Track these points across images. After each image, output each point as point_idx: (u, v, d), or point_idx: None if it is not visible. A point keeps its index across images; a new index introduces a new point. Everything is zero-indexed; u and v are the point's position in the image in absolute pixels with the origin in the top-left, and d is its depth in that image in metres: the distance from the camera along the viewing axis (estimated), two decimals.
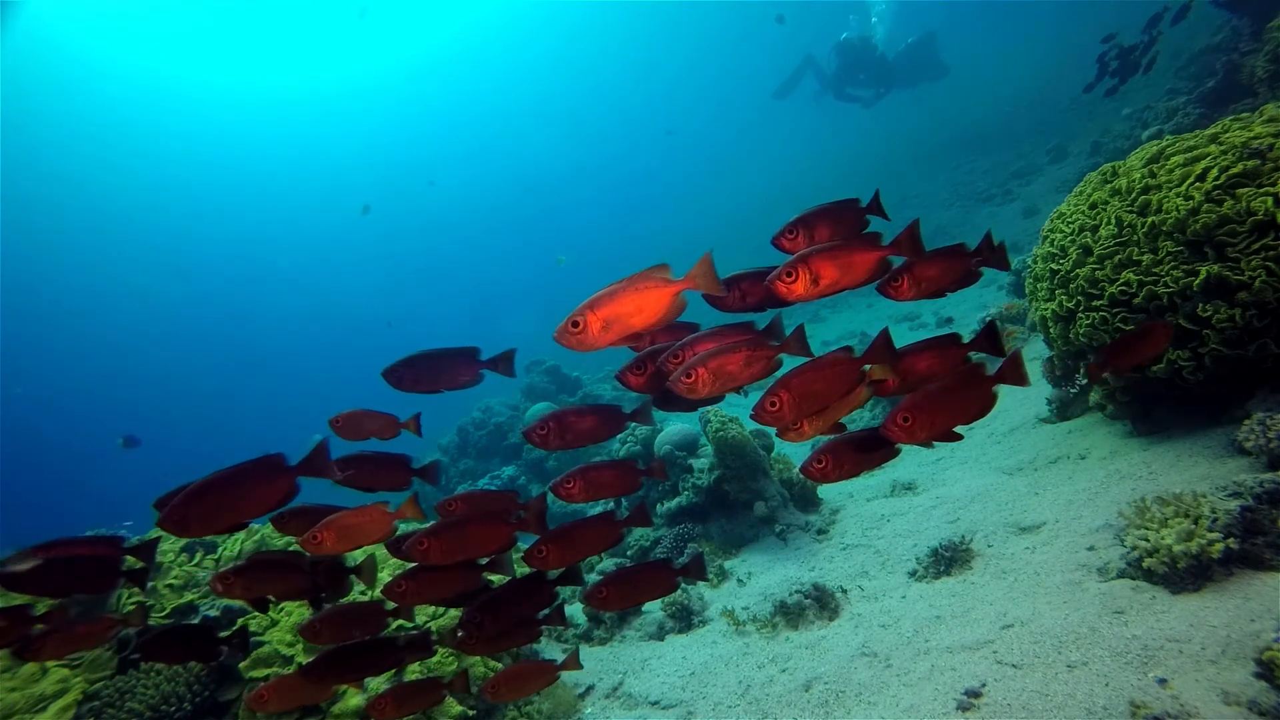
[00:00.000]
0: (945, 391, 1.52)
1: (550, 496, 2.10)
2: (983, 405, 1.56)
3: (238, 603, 3.03)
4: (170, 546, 3.42)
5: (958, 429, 1.57)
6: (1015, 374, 1.57)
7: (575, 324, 1.46)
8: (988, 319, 6.63)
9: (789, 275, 1.49)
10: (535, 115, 40.95)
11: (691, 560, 2.20)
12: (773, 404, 1.53)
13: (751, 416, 1.58)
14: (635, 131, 42.81)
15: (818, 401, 1.56)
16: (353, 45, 33.72)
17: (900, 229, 1.60)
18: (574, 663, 2.26)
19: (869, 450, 1.65)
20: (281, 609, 2.91)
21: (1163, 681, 1.95)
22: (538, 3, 34.19)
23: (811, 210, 1.70)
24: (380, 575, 2.91)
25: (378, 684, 2.58)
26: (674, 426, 5.19)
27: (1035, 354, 5.41)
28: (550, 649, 3.72)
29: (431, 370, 1.96)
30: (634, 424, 2.01)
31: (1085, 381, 2.83)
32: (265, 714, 2.52)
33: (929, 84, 16.42)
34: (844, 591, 3.30)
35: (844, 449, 1.66)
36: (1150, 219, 2.96)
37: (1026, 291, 3.92)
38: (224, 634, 2.05)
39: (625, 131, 43.19)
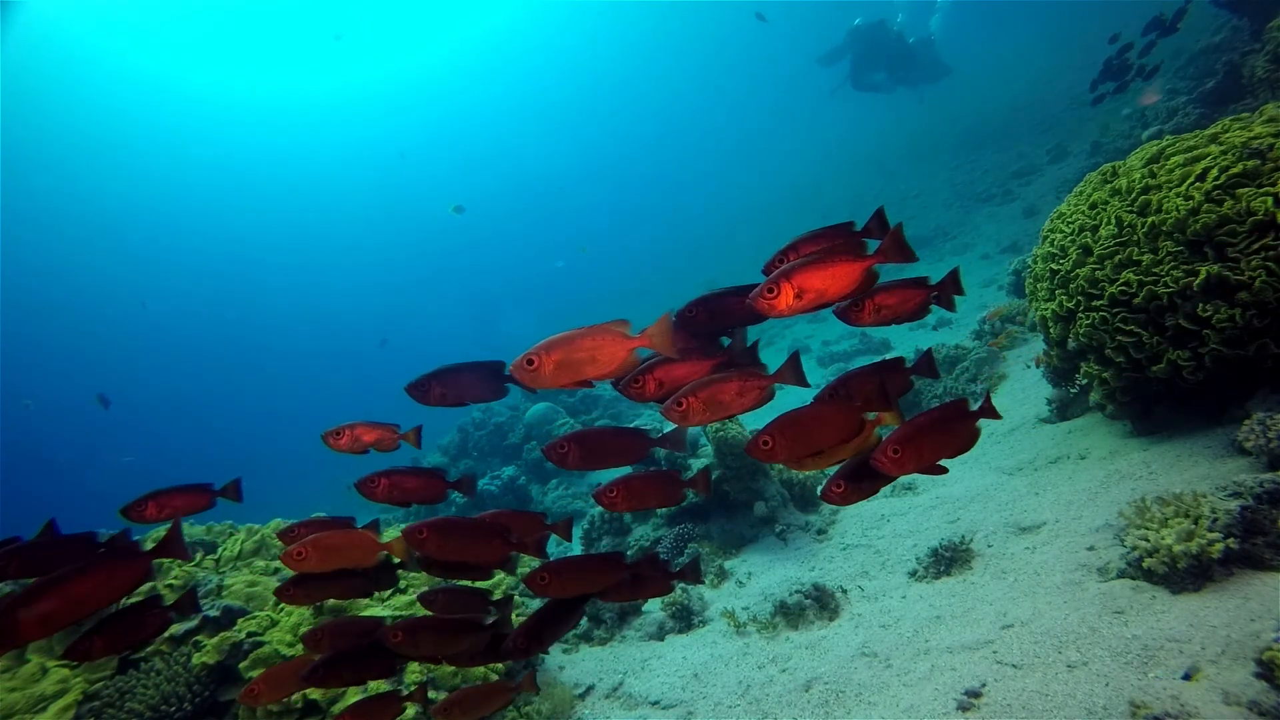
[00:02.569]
0: (932, 425, 1.56)
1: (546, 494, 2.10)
2: (966, 441, 1.60)
3: (238, 603, 3.03)
4: None
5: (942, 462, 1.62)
6: (990, 411, 1.68)
7: (530, 362, 1.51)
8: (984, 317, 6.61)
9: (770, 291, 1.48)
10: (537, 117, 40.98)
11: (688, 564, 2.19)
12: (765, 443, 1.56)
13: (746, 450, 1.60)
14: (637, 134, 42.85)
15: (812, 445, 1.59)
16: (353, 51, 33.73)
17: (885, 236, 1.59)
18: (529, 684, 2.29)
19: (876, 476, 1.67)
20: (281, 609, 2.91)
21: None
22: (538, 9, 34.23)
23: (802, 236, 1.70)
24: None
25: (377, 684, 2.59)
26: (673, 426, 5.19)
27: (1035, 354, 5.41)
28: (550, 648, 3.72)
29: (458, 385, 1.95)
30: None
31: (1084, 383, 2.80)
32: (260, 707, 2.54)
33: (931, 84, 16.41)
34: (844, 591, 3.30)
35: (855, 475, 1.67)
36: (1150, 219, 2.96)
37: (1026, 291, 3.92)
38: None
39: (626, 134, 43.23)
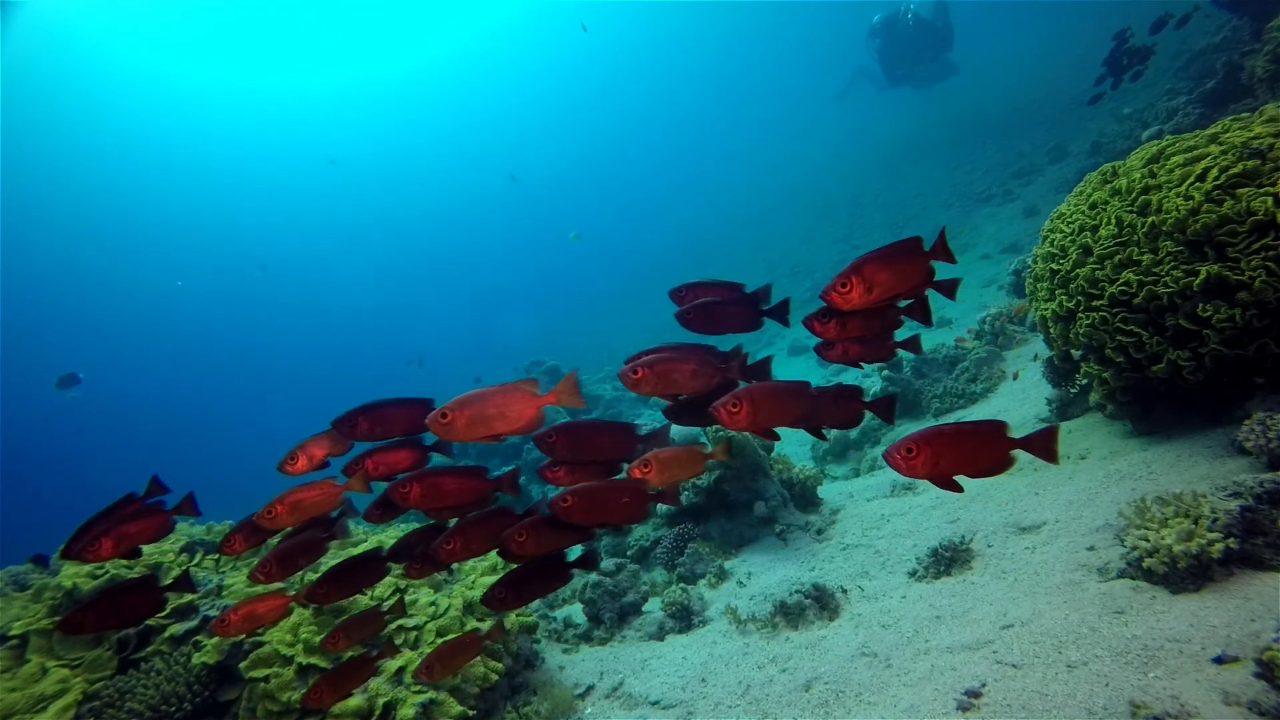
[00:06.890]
0: (959, 437, 1.49)
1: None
2: (994, 465, 1.50)
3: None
4: (170, 546, 3.42)
5: (960, 479, 1.53)
6: (1045, 449, 1.50)
7: (444, 415, 1.64)
8: (984, 319, 6.59)
9: (844, 286, 1.49)
10: (536, 116, 40.98)
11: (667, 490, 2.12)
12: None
13: (618, 374, 1.72)
14: (634, 135, 42.82)
15: (674, 386, 1.73)
16: (354, 48, 33.75)
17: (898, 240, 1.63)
18: (498, 631, 2.37)
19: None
20: None
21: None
22: (540, 8, 34.22)
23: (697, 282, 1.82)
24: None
25: (376, 684, 2.59)
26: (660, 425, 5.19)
27: (1034, 354, 5.41)
28: (550, 648, 3.72)
29: (384, 420, 1.99)
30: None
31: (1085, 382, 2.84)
32: (262, 700, 2.58)
33: (937, 82, 16.36)
34: (844, 591, 3.30)
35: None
36: (1150, 219, 2.96)
37: (1026, 291, 3.92)
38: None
39: (625, 134, 43.22)
